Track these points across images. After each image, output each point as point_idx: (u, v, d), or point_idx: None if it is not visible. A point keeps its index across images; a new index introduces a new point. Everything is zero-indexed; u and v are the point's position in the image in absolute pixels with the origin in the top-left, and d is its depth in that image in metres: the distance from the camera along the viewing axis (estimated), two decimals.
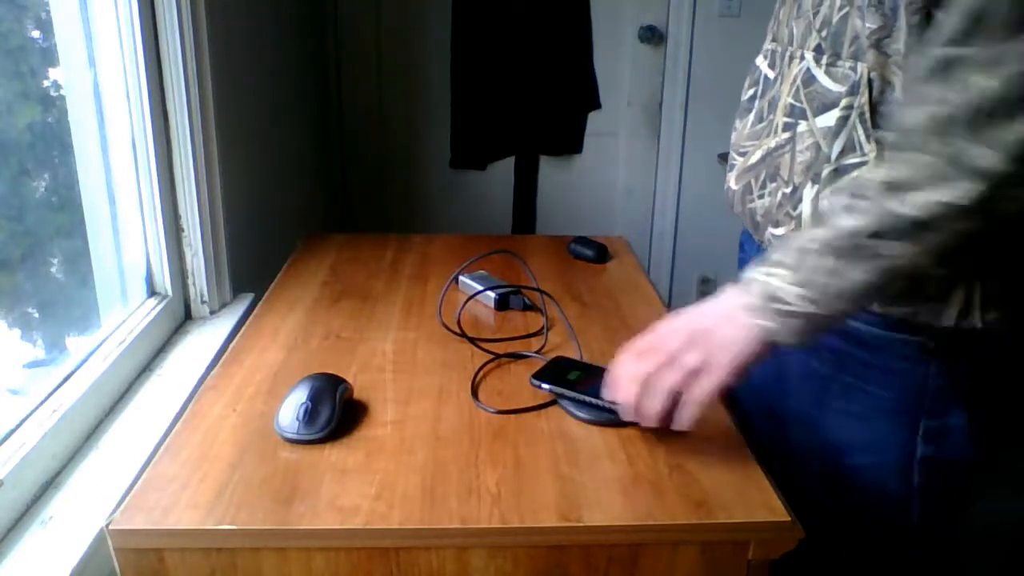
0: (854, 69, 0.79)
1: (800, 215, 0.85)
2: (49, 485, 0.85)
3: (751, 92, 0.98)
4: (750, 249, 1.02)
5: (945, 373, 0.84)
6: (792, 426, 0.97)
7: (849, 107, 0.80)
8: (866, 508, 0.90)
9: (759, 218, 0.92)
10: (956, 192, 0.66)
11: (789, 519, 0.74)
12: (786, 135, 0.87)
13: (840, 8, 0.81)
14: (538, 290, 1.22)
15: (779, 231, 0.89)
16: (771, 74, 0.93)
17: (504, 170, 2.63)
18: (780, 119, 0.89)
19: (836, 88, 0.81)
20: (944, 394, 0.85)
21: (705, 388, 0.77)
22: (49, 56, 1.02)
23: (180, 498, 0.75)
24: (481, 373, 0.99)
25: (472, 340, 1.07)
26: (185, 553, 0.73)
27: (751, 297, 0.76)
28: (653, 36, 2.55)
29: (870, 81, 0.78)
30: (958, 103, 0.65)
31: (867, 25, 0.76)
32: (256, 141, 1.57)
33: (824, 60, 0.83)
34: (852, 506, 0.79)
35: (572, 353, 1.05)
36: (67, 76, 1.05)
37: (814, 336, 0.76)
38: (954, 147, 0.66)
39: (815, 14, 0.86)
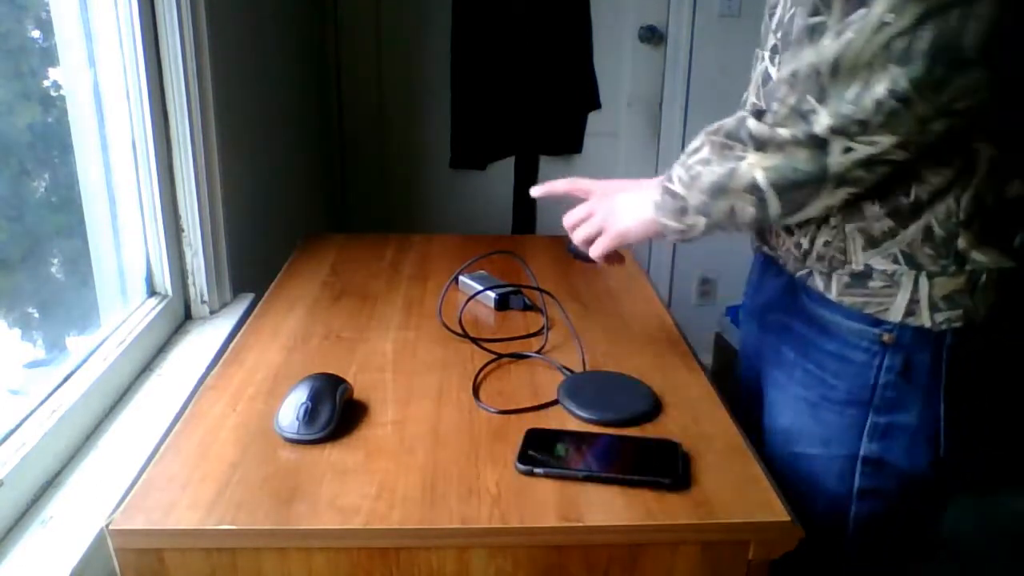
0: None
1: None
2: (49, 485, 0.85)
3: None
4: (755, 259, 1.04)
5: (897, 369, 0.85)
6: (762, 408, 1.00)
7: None
8: (806, 502, 0.89)
9: None
10: (794, 131, 0.76)
11: (789, 519, 0.74)
12: None
13: (790, 8, 0.83)
14: (539, 289, 1.22)
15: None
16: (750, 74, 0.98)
17: (504, 170, 2.63)
18: None
19: None
20: (895, 391, 0.86)
21: (599, 246, 0.99)
22: (49, 56, 1.02)
23: (180, 498, 0.75)
24: (482, 373, 0.99)
25: (474, 340, 1.07)
26: (185, 553, 0.73)
27: (662, 180, 0.90)
28: (653, 36, 2.55)
29: None
30: (811, 60, 0.74)
31: (806, 22, 0.79)
32: (256, 141, 1.57)
33: (777, 59, 0.87)
34: (795, 497, 0.80)
35: (574, 354, 1.05)
36: (67, 76, 1.05)
37: (683, 230, 0.88)
38: (797, 98, 0.75)
39: (771, 15, 0.90)
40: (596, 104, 2.61)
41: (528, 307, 1.20)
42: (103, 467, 0.89)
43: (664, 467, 0.79)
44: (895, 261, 0.81)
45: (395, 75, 2.55)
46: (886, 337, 0.84)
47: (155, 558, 0.72)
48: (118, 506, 0.74)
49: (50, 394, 0.92)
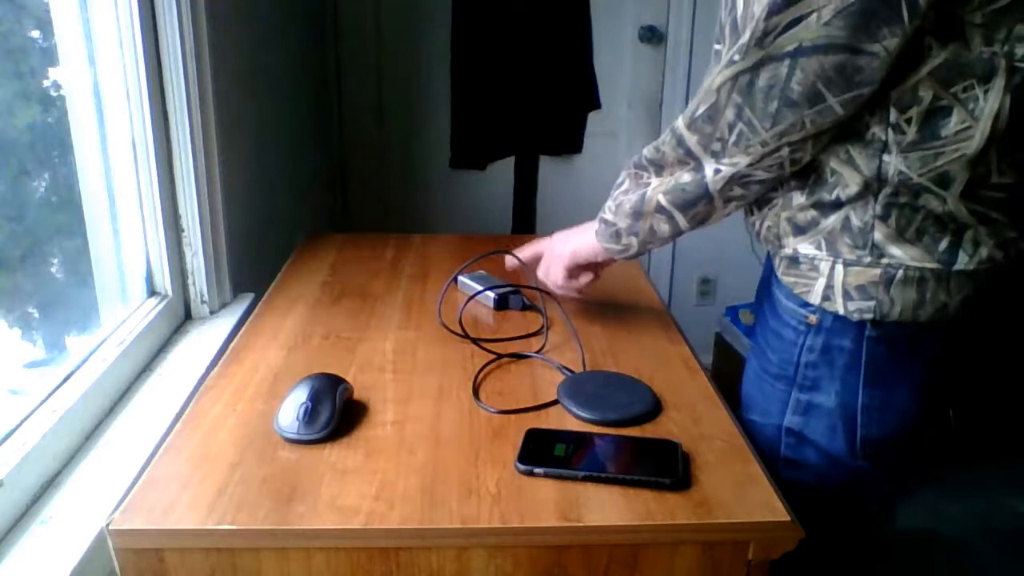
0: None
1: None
2: (49, 485, 0.85)
3: None
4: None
5: (817, 350, 0.91)
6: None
7: None
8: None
9: None
10: (674, 153, 0.90)
11: (789, 519, 0.74)
12: None
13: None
14: (538, 289, 1.22)
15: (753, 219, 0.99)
16: None
17: (504, 170, 2.63)
18: None
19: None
20: (814, 370, 0.92)
21: (554, 273, 1.11)
22: (49, 56, 1.02)
23: (180, 498, 0.75)
24: (482, 373, 0.99)
25: (474, 340, 1.07)
26: (185, 553, 0.73)
27: (598, 216, 1.02)
28: (653, 36, 2.55)
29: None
30: (699, 93, 0.86)
31: (712, 48, 0.92)
32: (256, 141, 1.57)
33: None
34: None
35: (574, 354, 1.05)
36: (67, 76, 1.05)
37: (621, 249, 1.00)
38: (679, 123, 0.89)
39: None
40: (596, 104, 2.61)
41: (527, 307, 1.20)
42: (103, 467, 0.89)
43: (664, 467, 0.79)
44: (817, 247, 0.88)
45: (395, 75, 2.55)
46: (811, 318, 0.90)
47: (155, 558, 0.72)
48: (118, 506, 0.74)
49: (50, 394, 0.92)
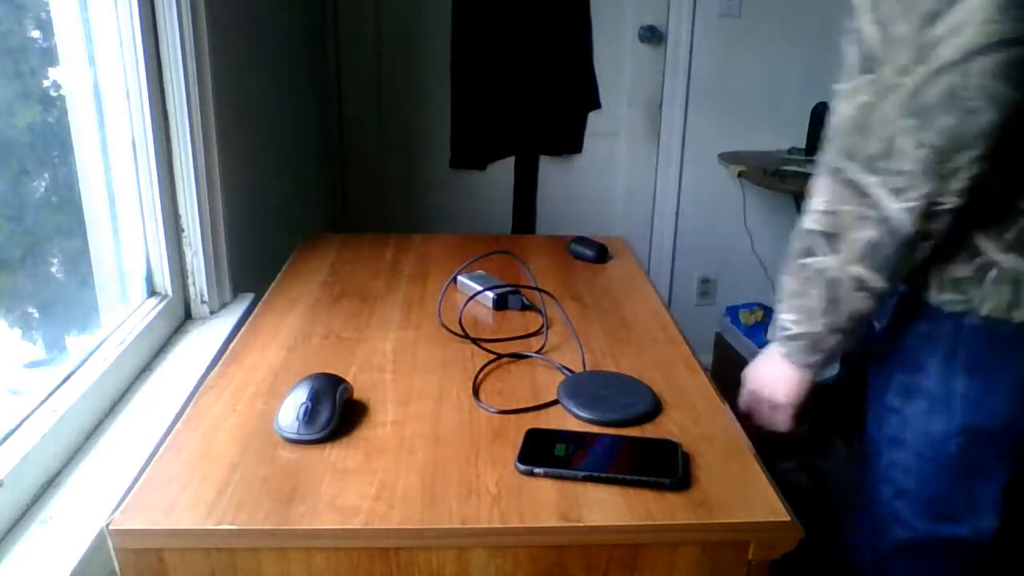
0: None
1: None
2: (49, 485, 0.85)
3: None
4: None
5: (921, 335, 0.95)
6: None
7: None
8: None
9: None
10: (826, 198, 0.85)
11: (789, 519, 0.74)
12: None
13: None
14: (538, 289, 1.22)
15: None
16: None
17: (504, 170, 2.63)
18: None
19: None
20: (917, 354, 0.96)
21: (781, 424, 1.02)
22: (49, 56, 1.02)
23: (180, 498, 0.75)
24: (482, 373, 0.99)
25: (474, 340, 1.07)
26: (185, 553, 0.73)
27: (771, 336, 0.97)
28: (653, 36, 2.55)
29: None
30: (831, 124, 0.84)
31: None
32: (256, 141, 1.57)
33: None
34: None
35: (574, 354, 1.05)
36: (67, 76, 1.05)
37: (826, 356, 0.93)
38: (825, 158, 0.86)
39: None
40: (596, 104, 2.60)
41: (526, 307, 1.20)
42: (103, 467, 0.89)
43: (664, 467, 0.79)
44: None
45: (395, 75, 2.55)
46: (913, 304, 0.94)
47: (155, 558, 0.72)
48: (118, 506, 0.74)
49: (50, 394, 0.92)
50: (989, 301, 0.86)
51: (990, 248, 0.85)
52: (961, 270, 0.87)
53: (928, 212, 0.79)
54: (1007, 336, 0.87)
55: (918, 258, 0.84)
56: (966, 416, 0.91)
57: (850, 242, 0.84)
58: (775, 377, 0.98)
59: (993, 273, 0.85)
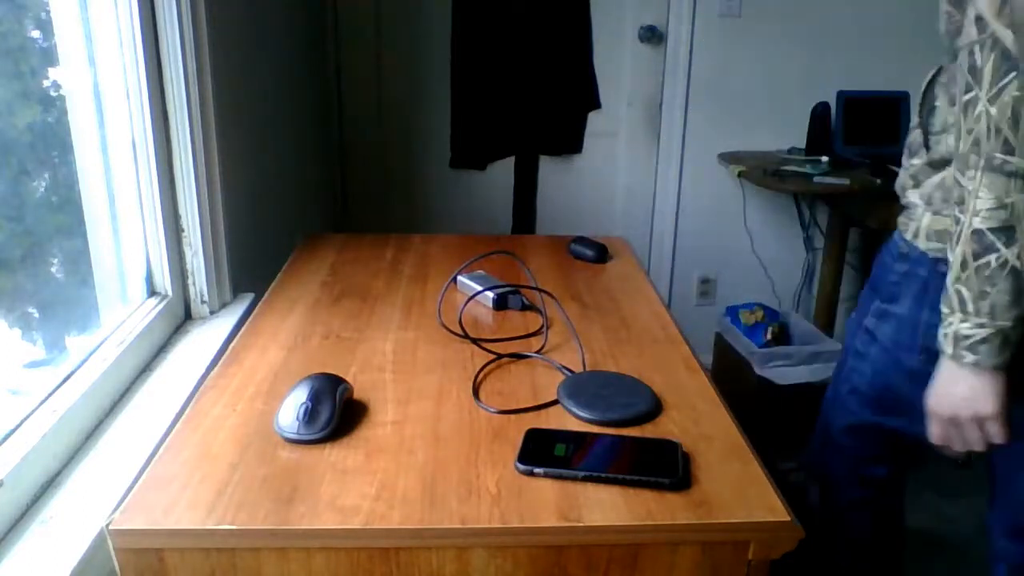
0: None
1: None
2: (49, 485, 0.85)
3: None
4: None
5: (901, 273, 1.14)
6: None
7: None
8: None
9: None
10: (995, 194, 0.91)
11: (789, 519, 0.74)
12: None
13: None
14: (538, 289, 1.22)
15: None
16: None
17: (504, 170, 2.63)
18: None
19: None
20: (897, 288, 1.15)
21: (996, 435, 1.00)
22: (49, 56, 1.02)
23: (180, 498, 0.75)
24: (482, 373, 0.99)
25: (474, 340, 1.07)
26: (185, 553, 0.73)
27: (949, 352, 0.98)
28: (653, 36, 2.55)
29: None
30: (975, 129, 0.92)
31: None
32: (256, 141, 1.57)
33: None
34: None
35: (574, 354, 1.05)
36: (67, 76, 1.05)
37: (1014, 348, 0.96)
38: (979, 160, 0.92)
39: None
40: (596, 104, 2.60)
41: (526, 307, 1.20)
42: (103, 467, 0.89)
43: (664, 467, 0.79)
44: (920, 198, 1.10)
45: (395, 75, 2.55)
46: (903, 248, 1.13)
47: (155, 558, 0.72)
48: (118, 506, 0.74)
49: (50, 394, 0.92)
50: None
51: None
52: (945, 223, 1.04)
53: None
54: None
55: None
56: (927, 340, 1.07)
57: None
58: (973, 391, 0.98)
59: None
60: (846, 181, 2.21)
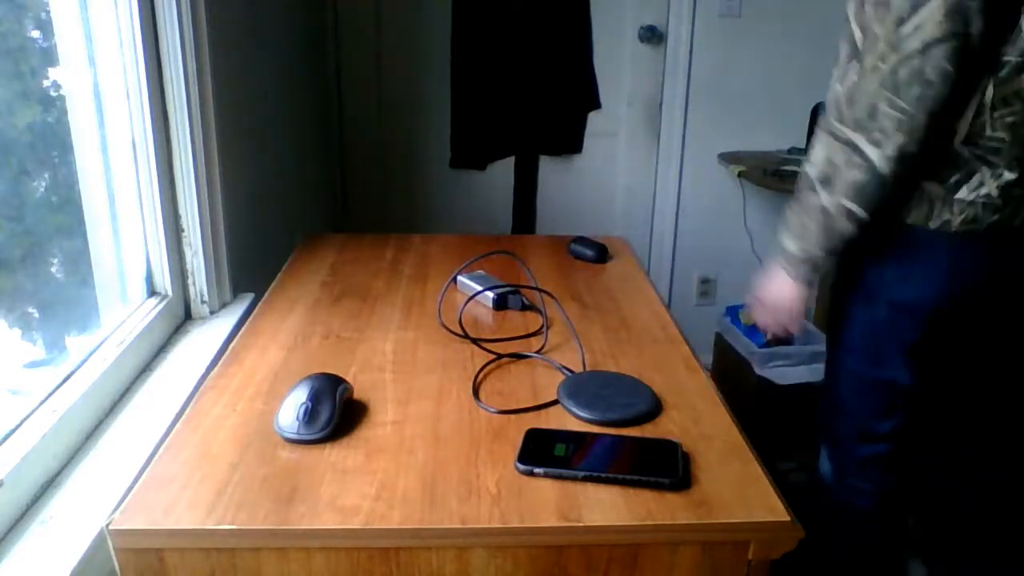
0: None
1: None
2: (49, 485, 0.85)
3: None
4: None
5: None
6: None
7: None
8: None
9: None
10: (824, 152, 1.17)
11: (789, 519, 0.74)
12: None
13: None
14: (538, 289, 1.22)
15: None
16: None
17: (504, 170, 2.63)
18: None
19: None
20: None
21: (786, 323, 1.33)
22: (49, 56, 1.02)
23: (180, 498, 0.75)
24: (482, 373, 0.99)
25: (474, 340, 1.07)
26: (185, 553, 0.73)
27: (778, 259, 1.27)
28: (653, 36, 2.55)
29: None
30: (827, 99, 1.21)
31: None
32: (256, 141, 1.57)
33: None
34: None
35: (574, 354, 1.05)
36: (67, 76, 1.05)
37: (818, 270, 1.23)
38: (822, 124, 1.18)
39: None
40: (596, 104, 2.60)
41: (526, 307, 1.20)
42: (103, 467, 0.89)
43: (664, 467, 0.79)
44: None
45: (395, 75, 2.55)
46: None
47: (155, 558, 0.72)
48: (118, 506, 0.74)
49: (50, 394, 0.92)
50: (913, 213, 1.18)
51: (920, 178, 1.15)
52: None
53: (899, 158, 1.09)
54: (921, 238, 1.19)
55: (887, 194, 1.13)
56: (890, 294, 1.24)
57: (841, 183, 1.14)
58: (780, 289, 1.28)
59: (918, 194, 1.17)
60: None
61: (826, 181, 1.15)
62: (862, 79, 1.10)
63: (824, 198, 1.16)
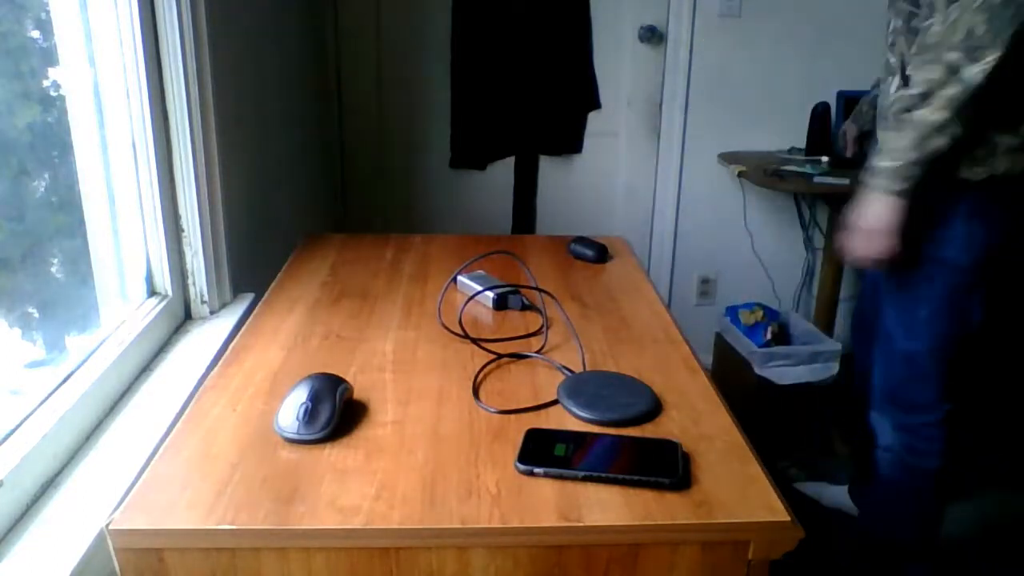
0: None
1: None
2: (49, 485, 0.85)
3: None
4: None
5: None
6: None
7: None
8: None
9: None
10: (926, 74, 1.28)
11: (789, 519, 0.74)
12: None
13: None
14: (538, 289, 1.22)
15: None
16: None
17: (504, 170, 2.63)
18: None
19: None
20: None
21: (886, 248, 1.40)
22: (49, 56, 1.02)
23: (180, 498, 0.75)
24: (482, 373, 0.99)
25: (474, 340, 1.07)
26: (185, 553, 0.73)
27: (870, 181, 1.38)
28: (653, 36, 2.55)
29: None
30: (924, 40, 1.31)
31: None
32: (256, 141, 1.57)
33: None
34: None
35: (574, 354, 1.05)
36: (67, 76, 1.05)
37: (911, 183, 1.33)
38: (925, 56, 1.30)
39: None
40: (596, 104, 2.61)
41: (526, 307, 1.20)
42: (103, 467, 0.89)
43: (664, 467, 0.79)
44: None
45: (395, 75, 2.55)
46: None
47: (155, 558, 0.72)
48: (118, 506, 0.74)
49: (50, 394, 0.92)
50: (1001, 165, 1.33)
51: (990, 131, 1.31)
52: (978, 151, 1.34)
53: (990, 71, 1.22)
54: (999, 188, 1.34)
55: (973, 111, 1.26)
56: (971, 249, 1.38)
57: (939, 97, 1.26)
58: (877, 211, 1.36)
59: (991, 147, 1.32)
60: (846, 181, 2.21)
61: (926, 95, 1.27)
62: (962, 12, 1.22)
63: (924, 112, 1.27)
